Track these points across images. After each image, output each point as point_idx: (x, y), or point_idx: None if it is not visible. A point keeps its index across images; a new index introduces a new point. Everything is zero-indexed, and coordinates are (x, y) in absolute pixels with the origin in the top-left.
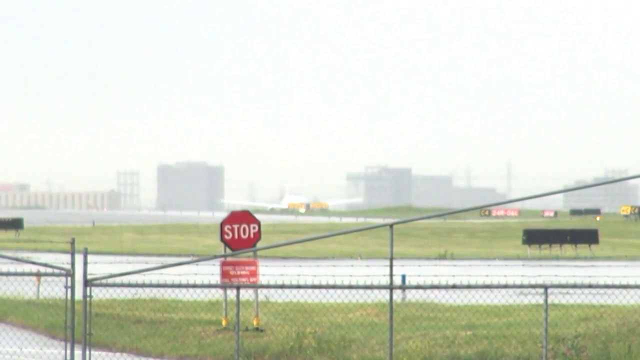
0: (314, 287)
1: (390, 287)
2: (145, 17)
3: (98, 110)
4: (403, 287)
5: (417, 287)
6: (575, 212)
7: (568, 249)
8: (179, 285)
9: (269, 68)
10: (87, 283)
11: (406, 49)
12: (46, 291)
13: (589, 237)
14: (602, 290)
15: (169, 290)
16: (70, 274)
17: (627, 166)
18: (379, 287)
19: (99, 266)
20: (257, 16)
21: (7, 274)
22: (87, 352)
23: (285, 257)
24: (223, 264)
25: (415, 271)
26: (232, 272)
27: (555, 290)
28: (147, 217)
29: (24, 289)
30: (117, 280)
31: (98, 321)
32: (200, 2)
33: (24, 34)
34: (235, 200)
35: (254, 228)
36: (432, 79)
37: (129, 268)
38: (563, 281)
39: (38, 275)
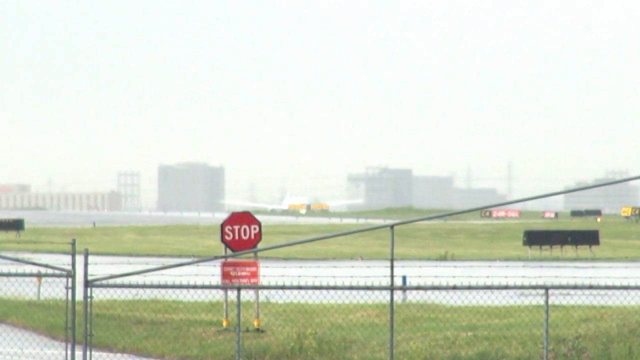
0: (314, 288)
1: (391, 288)
2: (147, 18)
3: (99, 111)
4: (404, 288)
5: (418, 288)
6: (576, 213)
7: (569, 250)
8: (180, 286)
9: (269, 69)
10: (87, 284)
11: (407, 50)
12: (47, 292)
13: (589, 238)
14: (602, 292)
15: (170, 291)
16: (70, 274)
17: (627, 167)
18: (380, 288)
19: (99, 267)
20: (257, 16)
21: (8, 274)
22: (88, 353)
23: (285, 258)
24: (224, 265)
25: (416, 272)
26: (232, 273)
27: (556, 291)
28: (148, 218)
29: (24, 290)
30: (118, 281)
31: (99, 322)
32: (201, 2)
33: (24, 35)
34: (235, 201)
35: (254, 229)
36: (432, 80)
37: (130, 269)
38: (564, 282)
39: (39, 276)
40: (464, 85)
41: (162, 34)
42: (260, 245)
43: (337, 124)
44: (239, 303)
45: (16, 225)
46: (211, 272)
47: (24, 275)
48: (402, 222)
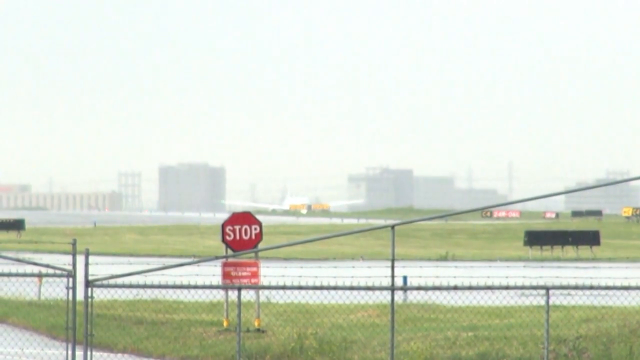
0: (315, 288)
1: (392, 288)
2: (148, 18)
3: (99, 112)
4: (404, 288)
5: (419, 288)
6: (576, 214)
7: (569, 251)
8: (181, 286)
9: (270, 69)
10: (88, 284)
11: (408, 50)
12: (47, 292)
13: (590, 238)
14: (603, 292)
15: (170, 291)
16: (71, 275)
17: (628, 168)
18: (381, 288)
19: (100, 267)
20: (258, 17)
21: (9, 274)
22: (89, 353)
23: (286, 258)
24: (224, 265)
25: (417, 272)
26: (233, 273)
27: (557, 292)
28: (149, 218)
29: (25, 290)
30: (119, 281)
31: (99, 322)
32: (201, 2)
33: (25, 36)
34: (236, 201)
35: (255, 229)
36: (433, 80)
37: (131, 269)
38: (564, 282)
39: (39, 276)
40: (465, 85)
41: (163, 35)
42: (261, 246)
43: (337, 124)
44: (239, 303)
45: (17, 225)
46: (212, 272)
47: (24, 275)
48: (403, 223)
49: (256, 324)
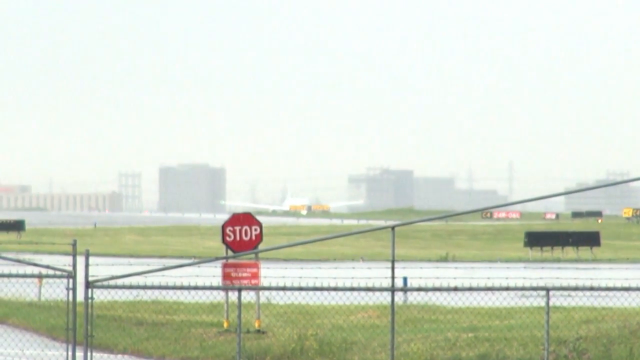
0: (315, 289)
1: (392, 289)
2: (148, 18)
3: (99, 112)
4: (405, 289)
5: (419, 289)
6: (577, 215)
7: (570, 252)
8: (181, 287)
9: (270, 69)
10: (88, 285)
11: (408, 51)
12: (48, 293)
13: (590, 239)
14: (603, 293)
15: (171, 292)
16: (71, 275)
17: (629, 168)
18: (381, 289)
19: (100, 268)
20: (258, 17)
21: (9, 275)
22: (89, 354)
23: (286, 259)
24: (225, 266)
25: (417, 273)
26: (233, 274)
27: (557, 293)
28: (149, 219)
29: (25, 291)
30: (119, 282)
31: (99, 323)
32: (202, 3)
33: (25, 36)
34: (236, 202)
35: (255, 230)
36: (433, 80)
37: (131, 270)
38: (565, 283)
39: (40, 277)
40: (465, 86)
41: (163, 35)
42: (261, 247)
43: (338, 124)
44: (239, 304)
45: (17, 226)
46: (212, 273)
47: (25, 276)
48: (403, 223)
49: (256, 325)
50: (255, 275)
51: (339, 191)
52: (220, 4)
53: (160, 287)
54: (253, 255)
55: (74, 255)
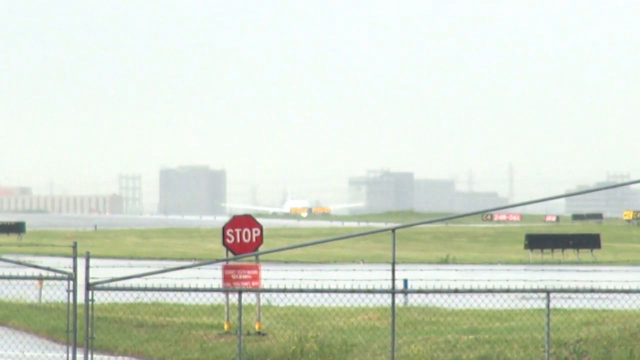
0: (315, 291)
1: (393, 292)
2: (148, 20)
3: (100, 114)
4: (405, 291)
5: (419, 291)
6: (577, 217)
7: (570, 254)
8: (181, 289)
9: (270, 71)
10: (89, 287)
11: (408, 52)
12: (48, 295)
13: (591, 241)
14: (604, 295)
15: (171, 294)
16: (72, 277)
17: (629, 171)
18: (381, 292)
19: (101, 270)
20: (259, 18)
21: (10, 277)
22: (89, 356)
23: (287, 261)
24: (225, 268)
25: (417, 275)
26: (234, 276)
27: (557, 295)
28: (149, 221)
29: (26, 293)
30: (119, 284)
31: (100, 325)
32: (202, 5)
33: (26, 37)
34: (237, 204)
35: (256, 232)
36: (434, 82)
37: (131, 272)
38: (565, 286)
39: (40, 279)
40: (466, 88)
41: (163, 37)
42: (261, 249)
43: (338, 127)
44: (240, 306)
45: (17, 228)
46: (212, 275)
47: (25, 278)
48: (404, 226)
49: (257, 327)
50: (256, 277)
51: (340, 193)
52: (220, 5)
53: (160, 289)
54: (253, 257)
55: (75, 257)
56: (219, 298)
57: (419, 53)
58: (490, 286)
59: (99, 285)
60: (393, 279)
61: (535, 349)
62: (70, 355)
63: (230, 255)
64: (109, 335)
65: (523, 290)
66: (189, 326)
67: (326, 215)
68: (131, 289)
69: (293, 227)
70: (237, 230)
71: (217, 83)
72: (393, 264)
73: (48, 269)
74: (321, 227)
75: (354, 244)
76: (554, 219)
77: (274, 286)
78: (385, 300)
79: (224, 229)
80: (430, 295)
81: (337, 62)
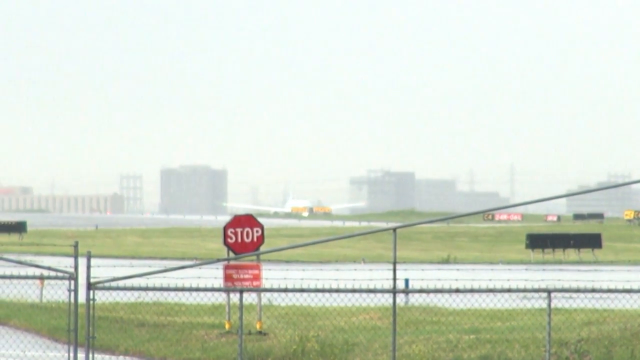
0: (317, 290)
1: (394, 291)
2: (149, 20)
3: (101, 114)
4: (406, 291)
5: (421, 291)
6: (578, 217)
7: (571, 254)
8: (182, 289)
9: (271, 72)
10: (90, 286)
11: (410, 52)
12: (49, 294)
13: (592, 241)
14: (605, 295)
15: (172, 293)
16: (73, 277)
17: (630, 170)
18: (382, 291)
19: (102, 269)
20: (260, 19)
21: (11, 277)
22: (90, 356)
23: (288, 261)
24: (226, 268)
25: (419, 275)
26: (235, 276)
27: (559, 295)
28: (150, 221)
29: (27, 292)
30: (120, 283)
31: (101, 324)
32: (203, 4)
33: (26, 37)
34: (238, 203)
35: (257, 232)
36: (435, 82)
37: (132, 271)
38: (566, 285)
39: (41, 278)
40: (467, 88)
41: (164, 36)
42: (262, 248)
43: (339, 126)
44: (241, 306)
45: (19, 227)
46: (214, 275)
47: (26, 277)
48: (405, 225)
49: (258, 326)
50: (257, 277)
51: (341, 193)
52: (220, 5)
53: (161, 289)
54: (254, 257)
55: (76, 257)
56: (220, 298)
57: (420, 53)
58: (491, 286)
59: (100, 285)
60: (394, 279)
61: (537, 349)
62: (72, 354)
63: (232, 254)
64: (110, 334)
65: (524, 290)
66: (190, 326)
67: (327, 215)
68: (132, 288)
69: (294, 226)
70: (238, 230)
71: (218, 83)
72: (394, 263)
73: (49, 268)
74: (322, 226)
75: (355, 244)
76: (555, 218)
77: (275, 286)
78: (386, 299)
79: (225, 229)
80: (432, 295)
81: (338, 62)
